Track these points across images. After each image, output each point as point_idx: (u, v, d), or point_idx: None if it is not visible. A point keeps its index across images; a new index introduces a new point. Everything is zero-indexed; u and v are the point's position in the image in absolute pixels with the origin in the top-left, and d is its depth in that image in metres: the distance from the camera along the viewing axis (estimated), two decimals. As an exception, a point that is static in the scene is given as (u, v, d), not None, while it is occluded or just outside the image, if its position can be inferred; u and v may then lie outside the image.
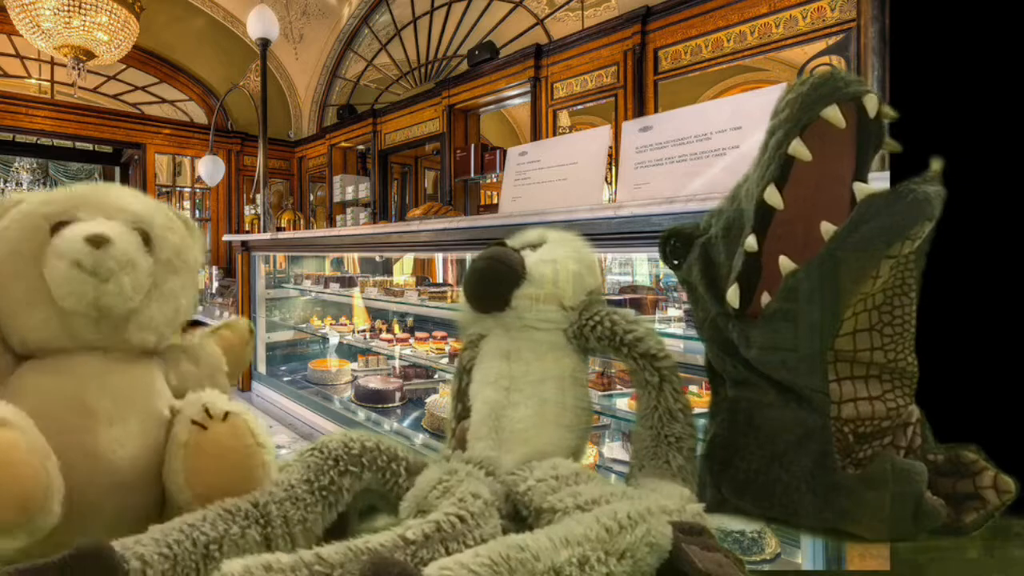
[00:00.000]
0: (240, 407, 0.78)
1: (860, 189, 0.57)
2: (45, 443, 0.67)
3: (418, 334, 3.49)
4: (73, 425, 0.72)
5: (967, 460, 0.67)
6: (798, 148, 0.58)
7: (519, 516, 0.65)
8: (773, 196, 0.60)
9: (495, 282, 0.76)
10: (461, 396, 0.86)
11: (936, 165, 0.57)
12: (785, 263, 0.60)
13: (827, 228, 0.57)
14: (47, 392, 0.74)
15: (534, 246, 0.83)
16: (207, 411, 0.75)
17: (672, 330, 1.70)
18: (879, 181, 0.94)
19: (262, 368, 4.14)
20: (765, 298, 0.64)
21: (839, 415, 0.70)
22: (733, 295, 0.66)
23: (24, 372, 0.77)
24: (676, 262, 0.76)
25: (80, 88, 5.45)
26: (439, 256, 4.23)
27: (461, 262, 4.14)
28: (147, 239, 0.80)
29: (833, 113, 0.57)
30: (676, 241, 0.76)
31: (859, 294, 0.63)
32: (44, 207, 0.80)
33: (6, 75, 6.42)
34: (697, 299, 0.75)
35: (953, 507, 0.64)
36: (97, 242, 0.73)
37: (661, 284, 2.45)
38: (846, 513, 0.66)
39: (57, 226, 0.77)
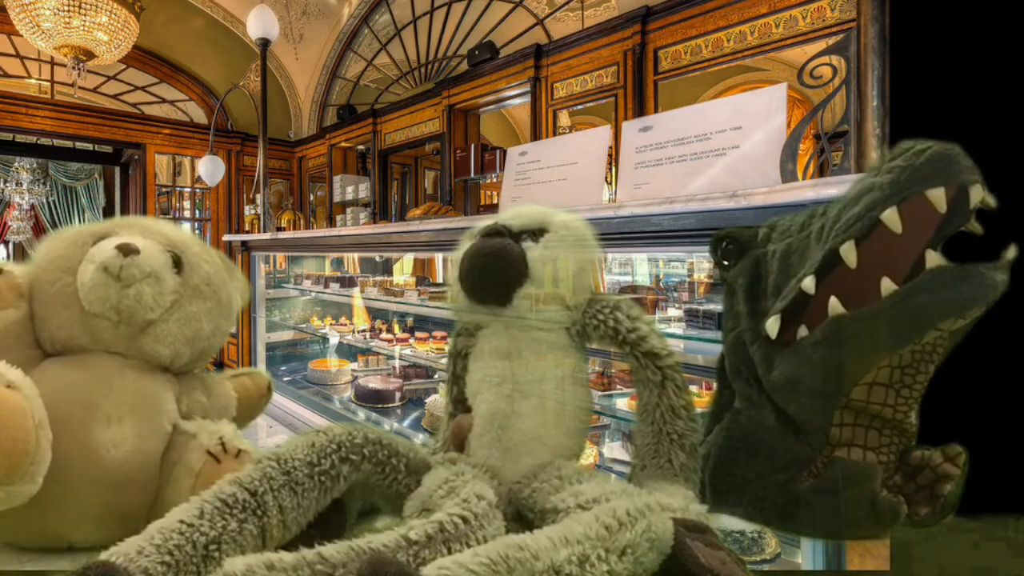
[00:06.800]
0: (252, 447, 0.83)
1: (932, 258, 0.57)
2: (45, 415, 0.70)
3: (418, 334, 3.49)
4: (75, 417, 0.76)
5: (916, 459, 0.68)
6: (891, 217, 0.56)
7: (523, 518, 0.66)
8: (850, 254, 0.59)
9: (497, 281, 0.75)
10: (456, 380, 0.86)
11: (1010, 254, 0.56)
12: (835, 305, 0.60)
13: (888, 286, 0.57)
14: (60, 382, 0.79)
15: (535, 232, 0.79)
16: (223, 445, 0.80)
17: (672, 330, 1.70)
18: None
19: (262, 368, 4.13)
20: (803, 331, 0.64)
21: (829, 453, 0.71)
22: (773, 326, 0.65)
23: (46, 365, 0.82)
24: (726, 264, 0.76)
25: (80, 88, 5.45)
26: (439, 256, 4.22)
27: (461, 262, 4.12)
28: (179, 263, 0.87)
29: (938, 196, 0.55)
30: (729, 244, 0.75)
31: (895, 354, 0.64)
32: (93, 227, 0.89)
33: (6, 75, 6.41)
34: (731, 306, 0.75)
35: (927, 499, 0.65)
36: (126, 250, 0.80)
37: (661, 284, 2.45)
38: (805, 524, 0.68)
39: (98, 241, 0.85)
